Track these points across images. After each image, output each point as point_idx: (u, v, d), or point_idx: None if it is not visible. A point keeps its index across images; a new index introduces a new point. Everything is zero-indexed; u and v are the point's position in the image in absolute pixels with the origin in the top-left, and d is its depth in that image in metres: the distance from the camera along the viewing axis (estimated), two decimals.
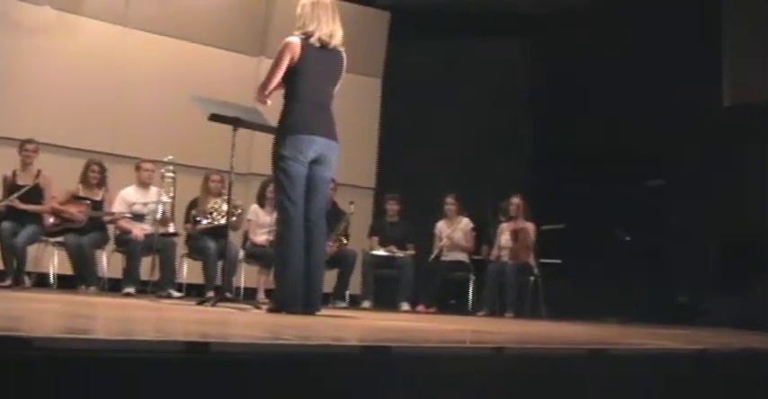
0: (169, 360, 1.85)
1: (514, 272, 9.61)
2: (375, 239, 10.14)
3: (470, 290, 10.02)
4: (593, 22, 10.96)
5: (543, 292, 9.66)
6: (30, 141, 8.67)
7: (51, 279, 8.76)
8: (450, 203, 10.16)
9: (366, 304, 9.60)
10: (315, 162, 5.42)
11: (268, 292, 8.39)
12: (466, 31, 11.25)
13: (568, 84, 11.25)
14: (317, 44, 5.44)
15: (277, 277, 5.52)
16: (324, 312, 5.48)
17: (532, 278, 9.73)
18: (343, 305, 9.32)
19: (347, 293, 9.63)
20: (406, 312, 9.26)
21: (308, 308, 5.20)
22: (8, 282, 8.17)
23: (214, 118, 6.19)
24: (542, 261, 9.92)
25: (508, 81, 11.58)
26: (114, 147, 9.94)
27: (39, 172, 8.66)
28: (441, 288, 10.07)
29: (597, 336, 4.68)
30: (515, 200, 9.94)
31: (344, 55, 5.57)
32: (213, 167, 8.92)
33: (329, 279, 8.40)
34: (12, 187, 8.56)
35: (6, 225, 8.28)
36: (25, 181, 8.60)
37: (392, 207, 10.26)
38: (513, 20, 11.44)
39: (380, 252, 9.95)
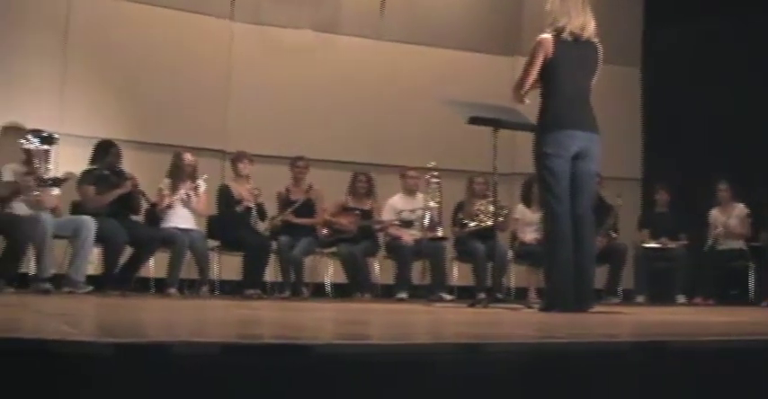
0: (443, 362, 1.87)
1: None
2: (645, 231, 9.84)
3: (751, 279, 9.52)
4: None
5: None
6: (300, 158, 9.07)
7: (327, 289, 9.09)
8: (723, 189, 9.70)
9: (640, 298, 9.34)
10: (578, 157, 5.34)
11: (539, 291, 8.33)
12: (729, 5, 10.65)
13: None
14: (570, 38, 5.36)
15: (547, 275, 5.47)
16: (596, 308, 5.36)
17: None
18: (616, 300, 9.09)
19: (619, 288, 9.40)
20: (682, 305, 8.93)
21: (580, 305, 5.11)
22: (287, 293, 8.57)
23: (473, 121, 6.22)
24: None
25: None
26: (379, 157, 10.21)
27: (310, 186, 9.02)
28: (719, 279, 9.63)
29: None
30: None
31: (599, 46, 5.46)
32: (476, 169, 8.97)
33: (600, 275, 8.23)
34: (286, 202, 8.98)
35: (283, 238, 8.67)
36: (298, 196, 8.99)
37: (661, 196, 9.94)
38: None
39: (652, 244, 9.65)
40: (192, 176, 8.53)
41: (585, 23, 5.36)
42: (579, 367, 1.98)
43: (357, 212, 9.05)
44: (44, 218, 7.29)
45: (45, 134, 7.62)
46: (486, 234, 8.45)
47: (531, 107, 5.62)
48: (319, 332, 2.78)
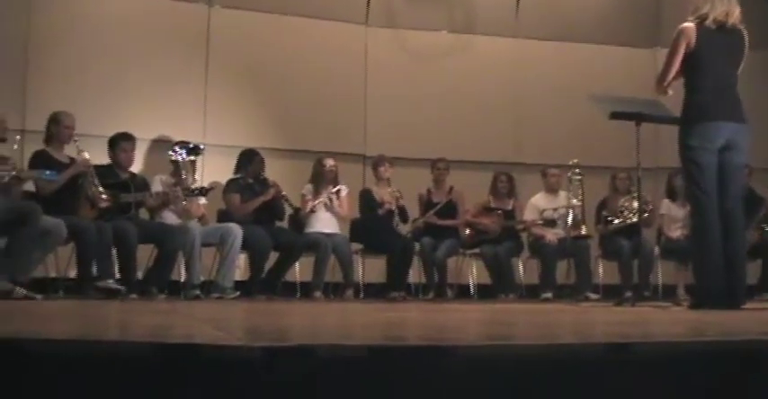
0: (590, 362, 1.83)
1: None
2: None
3: None
4: None
5: None
6: (441, 160, 9.07)
7: (471, 290, 9.05)
8: None
9: None
10: (725, 148, 5.20)
11: (688, 288, 8.10)
12: None
13: None
14: (713, 26, 5.21)
15: (696, 271, 5.33)
16: (749, 305, 5.19)
17: None
18: None
19: None
20: None
21: (732, 302, 4.95)
22: (431, 295, 8.59)
23: (615, 115, 6.13)
24: None
25: None
26: (519, 156, 10.15)
27: (451, 188, 9.02)
28: None
29: None
30: None
31: (745, 33, 5.29)
32: (619, 165, 8.81)
33: (752, 271, 7.94)
34: (427, 204, 8.99)
35: (426, 240, 8.69)
36: (439, 197, 8.99)
37: None
38: None
39: None
40: (334, 181, 8.64)
41: (730, 9, 5.21)
42: (733, 366, 1.91)
43: (499, 212, 9.00)
44: (192, 227, 7.52)
45: (191, 145, 7.88)
46: (631, 231, 8.29)
47: (675, 98, 5.49)
48: (464, 334, 2.77)
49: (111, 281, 6.80)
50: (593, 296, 8.41)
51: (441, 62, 10.25)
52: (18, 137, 6.97)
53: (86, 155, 7.11)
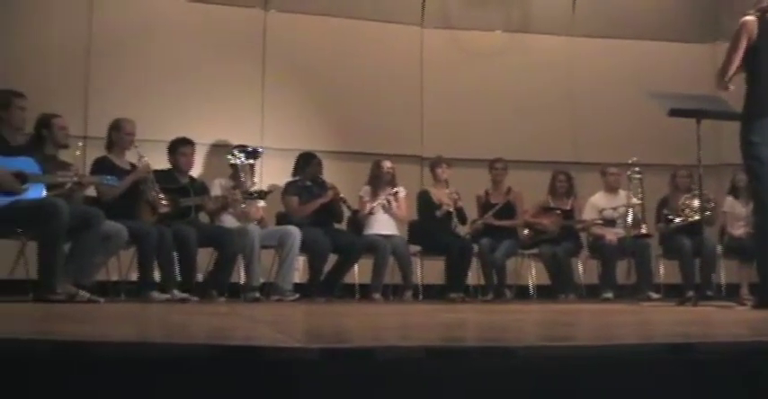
0: (652, 363, 1.81)
1: None
2: None
3: None
4: None
5: None
6: (498, 160, 9.03)
7: (531, 290, 8.99)
8: None
9: None
10: None
11: (752, 287, 7.97)
12: None
13: None
14: None
15: (760, 270, 5.24)
16: None
17: None
18: None
19: None
20: None
21: None
22: (490, 296, 8.54)
23: (674, 113, 6.06)
24: None
25: None
26: (578, 155, 10.07)
27: (509, 189, 8.97)
28: None
29: None
30: None
31: None
32: (680, 163, 8.70)
33: None
34: (486, 205, 8.96)
35: (485, 241, 8.65)
36: (497, 199, 8.95)
37: None
38: None
39: None
40: (392, 183, 8.64)
41: None
42: None
43: (558, 212, 8.94)
44: (252, 230, 7.56)
45: (249, 149, 7.93)
46: (692, 230, 8.18)
47: (736, 94, 5.40)
48: (523, 334, 2.76)
49: (176, 291, 6.89)
50: (654, 295, 8.31)
51: (497, 62, 10.22)
52: (80, 143, 7.11)
53: (147, 161, 7.19)
